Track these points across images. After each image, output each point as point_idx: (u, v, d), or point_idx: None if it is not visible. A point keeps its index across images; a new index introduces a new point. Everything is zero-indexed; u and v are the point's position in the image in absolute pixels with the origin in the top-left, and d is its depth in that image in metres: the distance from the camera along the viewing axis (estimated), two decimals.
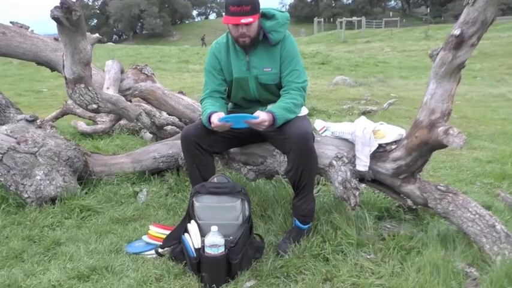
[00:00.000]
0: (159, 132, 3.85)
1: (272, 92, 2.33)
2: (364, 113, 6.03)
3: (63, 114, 4.89)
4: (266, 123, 2.07)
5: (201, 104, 2.37)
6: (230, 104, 2.53)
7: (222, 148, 2.39)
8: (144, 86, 3.31)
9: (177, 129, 3.93)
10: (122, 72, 3.33)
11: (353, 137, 2.28)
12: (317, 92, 8.94)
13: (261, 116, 2.07)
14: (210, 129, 2.17)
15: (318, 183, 2.86)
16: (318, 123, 2.50)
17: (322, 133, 2.45)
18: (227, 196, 2.04)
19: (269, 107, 2.32)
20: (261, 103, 2.39)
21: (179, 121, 3.66)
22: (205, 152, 2.23)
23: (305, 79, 2.27)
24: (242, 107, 2.45)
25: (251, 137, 2.39)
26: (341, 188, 2.18)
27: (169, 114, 3.66)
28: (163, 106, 3.37)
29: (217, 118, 2.07)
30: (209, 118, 2.14)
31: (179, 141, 3.00)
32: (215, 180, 2.11)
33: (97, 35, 3.44)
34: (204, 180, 2.17)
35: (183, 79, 11.96)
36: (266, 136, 2.33)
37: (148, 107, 3.82)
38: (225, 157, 2.55)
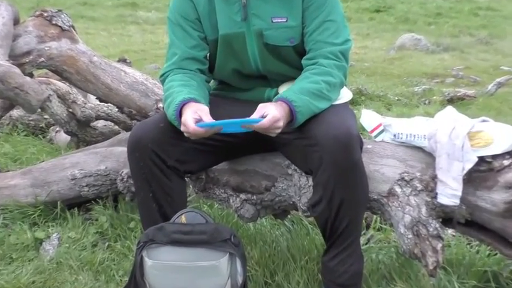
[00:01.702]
0: (82, 132, 3.85)
1: (288, 60, 2.34)
2: (451, 101, 6.03)
3: None
4: (280, 124, 2.08)
5: (162, 82, 2.38)
6: (213, 81, 2.53)
7: (200, 164, 2.39)
8: (57, 48, 3.31)
9: (115, 128, 3.93)
10: (16, 23, 3.34)
11: (432, 144, 2.28)
12: (367, 63, 8.94)
13: (270, 113, 2.05)
14: (180, 130, 2.17)
15: (367, 227, 2.85)
16: (370, 119, 2.50)
17: (375, 136, 2.45)
18: (204, 248, 2.04)
19: (282, 89, 2.33)
20: (269, 81, 2.40)
21: (119, 112, 3.67)
22: (172, 172, 2.24)
23: (347, 38, 2.29)
24: (234, 87, 2.45)
25: (250, 143, 2.39)
26: (410, 235, 2.18)
27: (101, 100, 3.67)
28: (90, 85, 3.38)
29: (194, 120, 2.06)
30: (180, 112, 2.14)
31: (120, 149, 3.02)
32: (183, 219, 2.11)
33: None
34: (164, 220, 2.18)
35: (127, 37, 11.95)
36: (276, 142, 2.34)
37: (63, 86, 3.83)
38: (201, 177, 2.56)
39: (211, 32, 2.33)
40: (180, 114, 2.13)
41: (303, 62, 2.29)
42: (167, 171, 2.22)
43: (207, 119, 2.08)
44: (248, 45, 2.31)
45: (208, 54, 2.37)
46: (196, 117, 2.07)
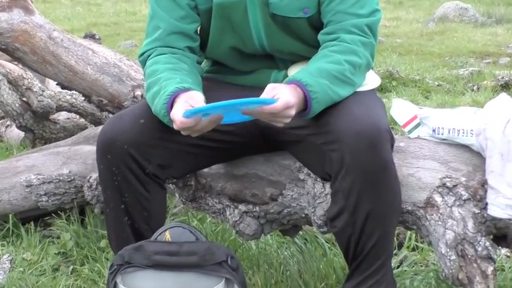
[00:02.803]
0: (39, 127, 3.85)
1: (300, 35, 2.36)
2: (506, 87, 6.02)
3: None
4: (292, 113, 2.07)
5: (142, 64, 2.39)
6: (204, 62, 2.53)
7: (187, 168, 2.40)
8: (7, 21, 3.32)
9: (81, 121, 3.93)
10: None
11: (482, 141, 2.28)
12: (399, 38, 8.92)
13: (283, 97, 2.03)
14: (166, 129, 2.18)
15: (399, 247, 2.86)
16: (402, 110, 2.50)
17: (410, 132, 2.46)
18: (194, 273, 2.05)
19: (292, 72, 2.34)
20: (275, 62, 2.42)
21: (86, 101, 3.67)
22: (151, 180, 2.25)
23: (374, 8, 2.30)
24: (232, 69, 2.46)
25: (252, 141, 2.40)
26: (453, 256, 2.18)
27: (63, 87, 3.67)
28: (49, 67, 3.38)
29: (184, 109, 2.00)
30: (171, 106, 2.10)
31: (87, 149, 3.02)
32: (166, 236, 2.12)
33: None
34: (139, 239, 2.19)
35: (94, 6, 11.93)
36: (284, 139, 2.35)
37: (15, 69, 3.84)
38: (189, 184, 2.57)
39: (203, 0, 2.34)
40: (171, 107, 2.09)
41: (320, 37, 2.29)
42: (145, 180, 2.24)
43: (195, 104, 2.05)
44: (250, 17, 2.31)
45: (199, 28, 2.38)
46: (187, 107, 2.03)
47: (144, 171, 2.22)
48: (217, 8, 2.31)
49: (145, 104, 2.26)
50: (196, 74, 2.33)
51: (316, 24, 2.32)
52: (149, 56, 2.34)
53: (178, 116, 2.00)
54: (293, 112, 2.04)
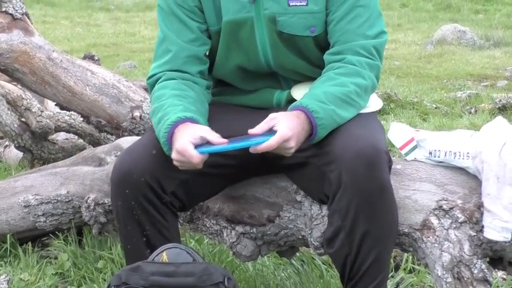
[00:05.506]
0: (38, 147, 3.85)
1: (306, 54, 2.37)
2: (504, 109, 6.02)
3: None
4: (290, 145, 2.06)
5: (150, 87, 2.40)
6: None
7: (196, 197, 2.40)
8: (7, 41, 3.33)
9: (79, 142, 3.93)
10: None
11: (478, 164, 2.29)
12: (397, 61, 8.93)
13: (279, 130, 2.04)
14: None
15: (396, 268, 2.86)
16: (399, 132, 2.51)
17: (406, 154, 2.46)
18: None
19: (295, 92, 2.36)
20: (279, 81, 2.43)
21: (84, 122, 3.67)
22: (167, 209, 2.26)
23: (382, 29, 2.32)
24: (236, 89, 2.48)
25: (250, 165, 2.38)
26: (449, 279, 2.18)
27: (61, 108, 3.67)
28: (48, 88, 3.39)
29: (192, 144, 2.06)
30: (171, 134, 2.13)
31: (85, 169, 3.02)
32: (164, 257, 2.12)
33: None
34: None
35: (94, 27, 11.95)
36: (283, 163, 2.34)
37: (14, 89, 3.84)
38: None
39: (215, 21, 2.35)
40: (171, 136, 2.12)
41: (326, 57, 2.31)
42: (162, 209, 2.25)
43: (212, 137, 2.08)
44: (257, 34, 2.33)
45: (208, 51, 2.40)
46: (195, 142, 2.07)
47: (161, 200, 2.23)
48: (226, 26, 2.33)
49: (153, 135, 2.26)
50: (203, 102, 2.34)
51: (322, 44, 2.34)
52: (158, 79, 2.35)
53: (194, 151, 2.05)
54: (292, 144, 2.05)
